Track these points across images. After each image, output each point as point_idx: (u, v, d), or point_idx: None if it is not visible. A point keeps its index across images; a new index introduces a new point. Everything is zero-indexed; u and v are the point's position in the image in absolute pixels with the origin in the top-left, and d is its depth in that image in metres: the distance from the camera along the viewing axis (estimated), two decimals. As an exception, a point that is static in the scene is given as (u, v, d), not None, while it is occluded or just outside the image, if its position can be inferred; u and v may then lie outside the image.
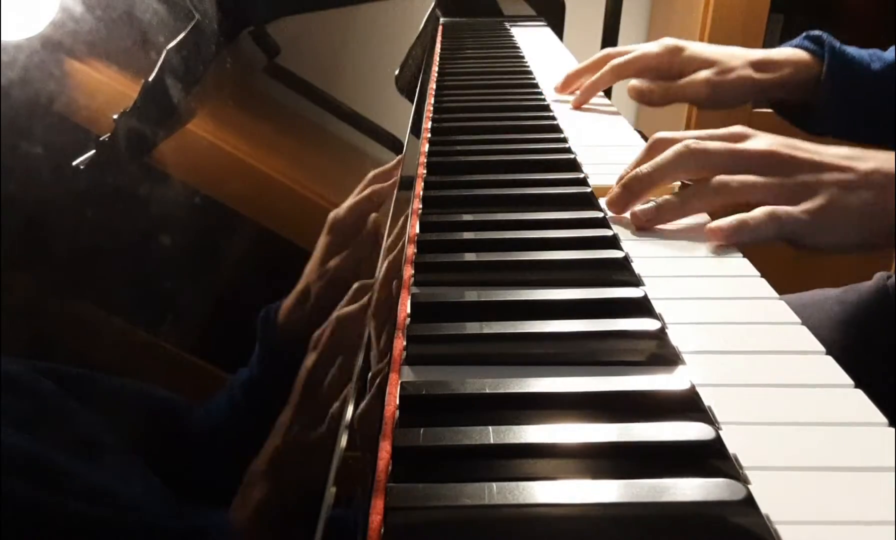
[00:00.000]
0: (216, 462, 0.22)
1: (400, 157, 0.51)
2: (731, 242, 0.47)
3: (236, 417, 0.24)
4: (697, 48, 0.78)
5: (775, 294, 0.42)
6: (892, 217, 0.47)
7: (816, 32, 0.75)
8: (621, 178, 0.52)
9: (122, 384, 0.21)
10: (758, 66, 0.75)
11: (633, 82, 0.78)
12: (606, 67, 0.79)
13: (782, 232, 0.47)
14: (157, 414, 0.22)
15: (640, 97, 0.77)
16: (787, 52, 0.76)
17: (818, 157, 0.49)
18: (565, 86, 0.84)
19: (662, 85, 0.77)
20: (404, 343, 0.36)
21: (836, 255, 0.49)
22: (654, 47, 0.78)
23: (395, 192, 0.44)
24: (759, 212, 0.47)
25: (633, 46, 0.81)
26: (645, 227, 0.49)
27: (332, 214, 0.36)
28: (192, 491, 0.21)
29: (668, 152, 0.50)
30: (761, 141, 0.51)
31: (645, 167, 0.51)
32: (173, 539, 0.19)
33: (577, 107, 0.80)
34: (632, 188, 0.51)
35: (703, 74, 0.75)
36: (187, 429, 0.22)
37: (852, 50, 0.73)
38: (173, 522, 0.19)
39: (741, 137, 0.52)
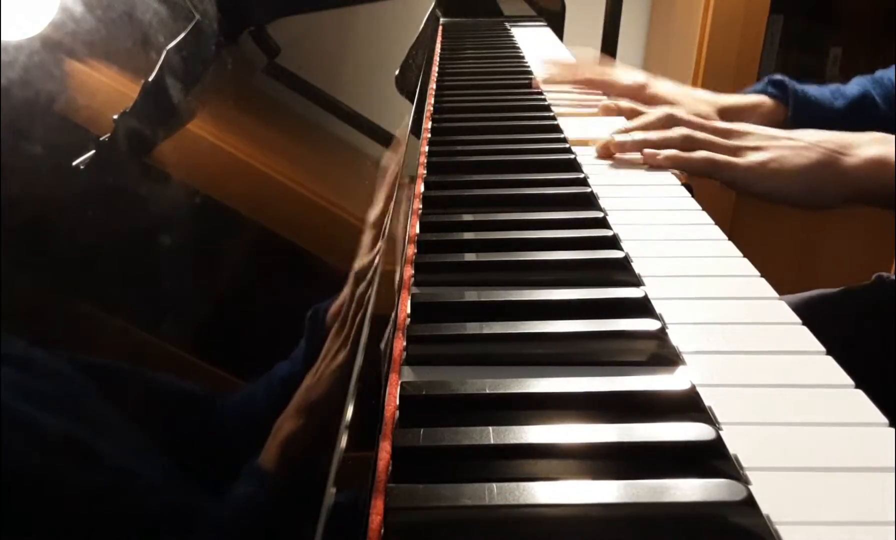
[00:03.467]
0: (247, 451, 0.22)
1: (400, 157, 0.51)
2: (663, 165, 0.60)
3: (275, 410, 0.24)
4: (662, 88, 0.81)
5: (775, 294, 0.42)
6: (838, 181, 0.57)
7: (778, 77, 0.78)
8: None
9: (149, 377, 0.21)
10: (723, 112, 0.78)
11: (607, 103, 0.80)
12: (582, 76, 0.84)
13: (716, 174, 0.59)
14: (185, 405, 0.22)
15: (609, 115, 0.80)
16: (753, 100, 0.79)
17: (774, 131, 0.61)
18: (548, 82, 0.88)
19: (637, 109, 0.80)
20: (404, 343, 0.36)
21: (775, 204, 0.60)
22: (625, 78, 0.83)
23: (396, 192, 0.44)
24: (700, 153, 0.60)
25: (612, 72, 0.85)
26: (618, 150, 0.62)
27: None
28: (215, 480, 0.21)
29: (650, 113, 0.65)
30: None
31: (630, 123, 0.66)
32: (178, 527, 0.19)
33: (536, 85, 0.85)
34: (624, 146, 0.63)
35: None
36: (218, 419, 0.22)
37: (815, 90, 0.76)
38: (182, 510, 0.19)
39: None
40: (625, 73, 0.84)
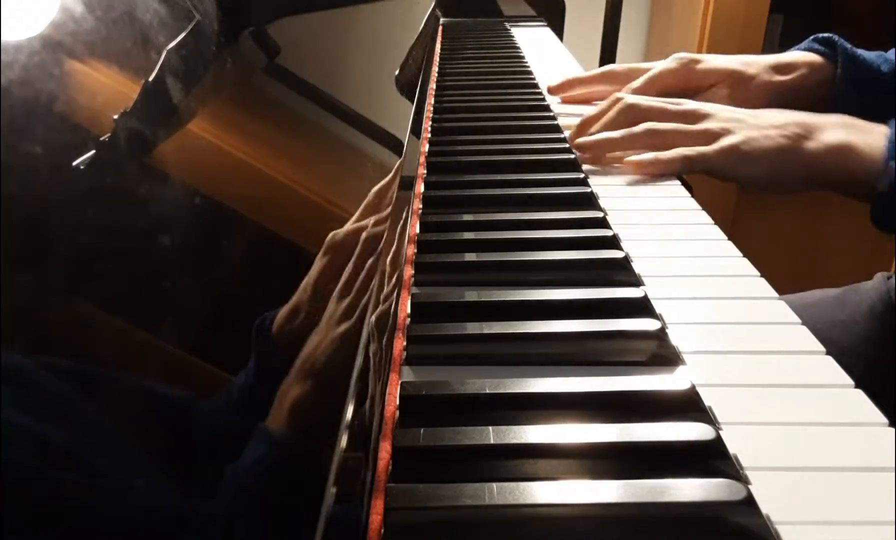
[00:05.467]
0: (214, 461, 0.22)
1: (400, 157, 0.51)
2: (644, 174, 0.59)
3: (234, 420, 0.24)
4: (713, 61, 0.76)
5: (775, 294, 0.42)
6: (801, 165, 0.56)
7: (826, 34, 0.74)
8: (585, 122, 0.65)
9: (127, 380, 0.21)
10: (776, 68, 0.74)
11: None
12: (607, 79, 0.78)
13: (693, 168, 0.58)
14: (160, 411, 0.22)
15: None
16: (801, 55, 0.75)
17: (738, 113, 0.60)
18: (561, 89, 0.82)
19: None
20: (404, 343, 0.36)
21: (749, 189, 0.59)
22: (670, 64, 0.75)
23: (395, 192, 0.44)
24: (674, 152, 0.58)
25: (647, 65, 0.77)
26: (586, 155, 0.61)
27: (330, 236, 0.36)
28: (192, 487, 0.21)
29: (613, 111, 0.63)
30: (693, 102, 0.63)
31: (588, 115, 0.65)
32: (175, 530, 0.19)
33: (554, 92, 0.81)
34: (580, 129, 0.65)
35: (724, 92, 0.73)
36: (191, 426, 0.22)
37: (862, 52, 0.72)
38: (176, 514, 0.19)
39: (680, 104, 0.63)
40: (665, 62, 0.76)
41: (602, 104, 0.65)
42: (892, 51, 0.73)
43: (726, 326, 0.38)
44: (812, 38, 0.76)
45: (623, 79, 0.77)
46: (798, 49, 0.76)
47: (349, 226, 0.38)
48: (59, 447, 0.18)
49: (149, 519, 0.19)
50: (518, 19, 1.35)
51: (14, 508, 0.16)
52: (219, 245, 0.29)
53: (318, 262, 0.33)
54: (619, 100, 0.64)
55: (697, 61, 0.75)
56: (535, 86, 0.86)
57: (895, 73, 0.70)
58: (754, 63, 0.75)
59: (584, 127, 0.64)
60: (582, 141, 0.62)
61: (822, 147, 0.56)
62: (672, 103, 0.63)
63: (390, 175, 0.46)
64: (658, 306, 0.39)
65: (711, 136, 0.59)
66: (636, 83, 0.75)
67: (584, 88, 0.81)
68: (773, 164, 0.57)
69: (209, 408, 0.24)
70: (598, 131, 0.63)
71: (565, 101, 0.82)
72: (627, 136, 0.61)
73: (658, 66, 0.76)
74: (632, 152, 0.61)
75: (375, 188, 0.43)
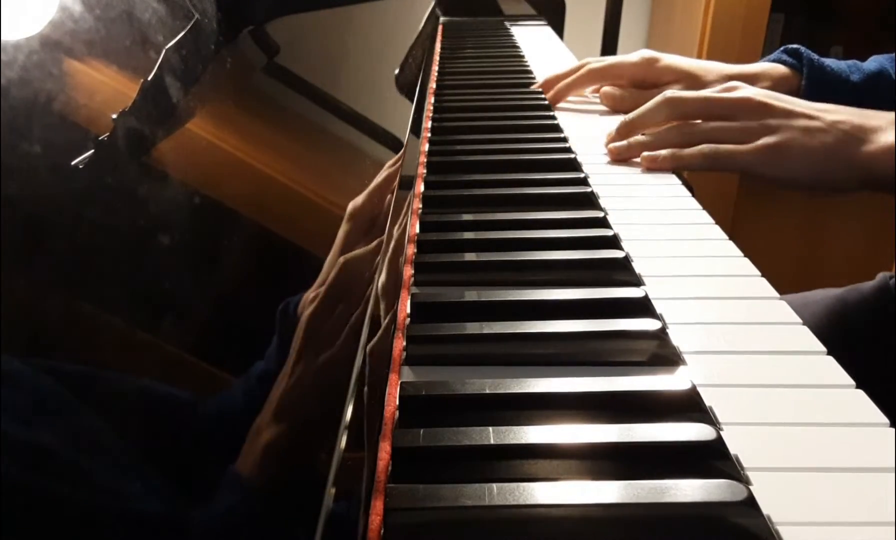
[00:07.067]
0: (230, 452, 0.22)
1: (400, 156, 0.51)
2: (664, 168, 0.58)
3: (253, 408, 0.24)
4: (673, 60, 0.78)
5: (776, 294, 0.42)
6: (852, 166, 0.54)
7: (794, 46, 0.76)
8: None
9: (129, 381, 0.21)
10: (737, 79, 0.75)
11: (607, 88, 0.79)
12: (583, 71, 0.80)
13: (718, 165, 0.56)
14: (165, 409, 0.22)
15: (612, 103, 0.78)
16: (765, 67, 0.76)
17: (790, 106, 0.57)
18: (544, 88, 0.84)
19: (635, 93, 0.77)
20: (404, 343, 0.36)
21: (783, 189, 0.58)
22: (631, 57, 0.79)
23: (396, 191, 0.44)
24: (696, 149, 0.57)
25: (612, 58, 0.82)
26: (618, 158, 0.61)
27: (350, 204, 0.36)
28: (202, 483, 0.21)
29: (650, 103, 0.62)
30: (745, 90, 0.59)
31: (629, 115, 0.63)
32: (173, 532, 0.19)
33: (553, 104, 0.80)
34: (619, 131, 0.63)
35: (675, 87, 0.75)
36: (198, 421, 0.22)
37: (831, 62, 0.74)
38: (174, 516, 0.19)
39: (731, 89, 0.60)
40: (629, 55, 0.80)
41: (643, 108, 0.63)
42: (870, 60, 0.73)
43: (727, 325, 0.38)
44: (782, 49, 0.77)
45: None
46: (767, 60, 0.77)
47: (366, 192, 0.38)
48: (54, 451, 0.17)
49: (142, 527, 0.19)
50: (518, 19, 1.34)
51: (9, 513, 0.16)
52: (217, 245, 0.29)
53: (342, 231, 0.34)
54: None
55: (658, 60, 0.78)
56: (536, 85, 0.86)
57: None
58: (715, 71, 0.76)
59: (622, 131, 0.63)
60: (616, 146, 0.62)
61: (878, 149, 0.55)
62: (718, 91, 0.61)
63: (397, 156, 0.46)
64: (658, 306, 0.39)
65: (750, 133, 0.56)
66: (595, 65, 0.79)
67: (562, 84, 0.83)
68: (820, 165, 0.55)
69: (218, 403, 0.23)
70: (637, 122, 0.62)
71: (552, 101, 0.83)
72: (660, 140, 0.60)
73: (621, 58, 0.79)
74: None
75: (389, 163, 0.43)
